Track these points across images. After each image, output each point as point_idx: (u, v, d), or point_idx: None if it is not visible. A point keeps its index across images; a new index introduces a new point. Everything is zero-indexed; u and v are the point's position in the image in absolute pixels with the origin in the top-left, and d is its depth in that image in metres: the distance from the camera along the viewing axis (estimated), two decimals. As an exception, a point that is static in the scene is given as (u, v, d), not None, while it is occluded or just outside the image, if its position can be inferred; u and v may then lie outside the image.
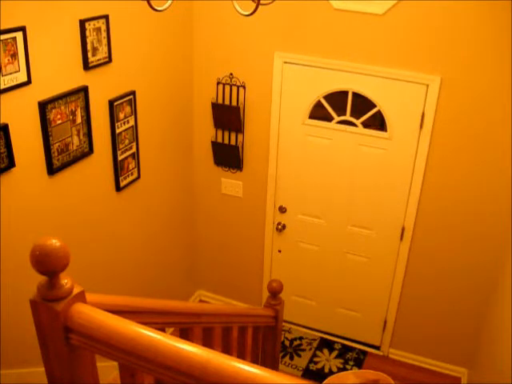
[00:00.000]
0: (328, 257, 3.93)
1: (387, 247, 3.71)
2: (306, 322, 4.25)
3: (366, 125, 3.43)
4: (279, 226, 3.93)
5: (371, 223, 3.69)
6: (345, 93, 3.38)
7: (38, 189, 2.54)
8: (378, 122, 3.42)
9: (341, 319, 4.12)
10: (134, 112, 3.10)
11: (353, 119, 3.44)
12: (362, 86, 3.31)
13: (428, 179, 3.39)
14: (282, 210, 3.87)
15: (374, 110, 3.36)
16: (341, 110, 3.44)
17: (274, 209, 3.89)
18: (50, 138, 2.50)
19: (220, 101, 3.67)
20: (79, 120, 2.67)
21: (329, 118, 3.49)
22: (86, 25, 2.56)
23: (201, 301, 4.52)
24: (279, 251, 4.06)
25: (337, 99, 3.43)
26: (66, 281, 1.11)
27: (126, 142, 3.10)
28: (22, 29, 2.20)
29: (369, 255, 3.80)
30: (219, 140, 3.79)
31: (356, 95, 3.36)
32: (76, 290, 1.12)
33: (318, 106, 3.48)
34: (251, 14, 1.75)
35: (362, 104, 3.37)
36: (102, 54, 2.72)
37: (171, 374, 1.03)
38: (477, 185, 3.28)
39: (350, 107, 3.41)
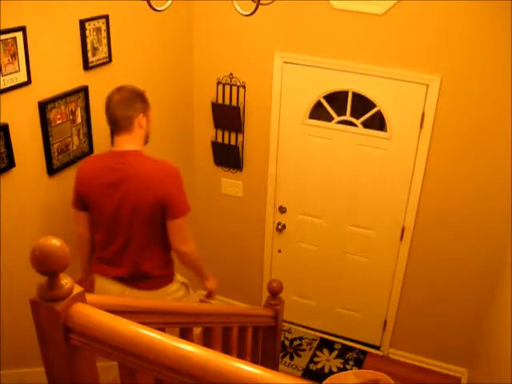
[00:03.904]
0: (328, 257, 3.92)
1: (387, 247, 3.71)
2: (305, 322, 4.25)
3: (365, 125, 3.43)
4: (279, 226, 3.93)
5: (371, 223, 3.69)
6: (345, 93, 3.38)
7: (38, 189, 2.54)
8: (378, 122, 3.42)
9: (341, 319, 4.12)
10: (134, 112, 3.10)
11: (353, 119, 3.44)
12: (362, 86, 3.30)
13: (428, 179, 3.39)
14: (282, 210, 3.87)
15: (374, 110, 3.36)
16: (341, 110, 3.44)
17: (274, 209, 3.89)
18: (50, 138, 2.50)
19: (220, 101, 3.67)
20: (79, 120, 2.67)
21: (329, 118, 3.49)
22: (86, 25, 2.56)
23: (201, 301, 4.51)
24: (279, 251, 4.05)
25: (337, 99, 3.43)
26: (66, 281, 1.11)
27: (126, 142, 3.09)
28: (22, 29, 2.20)
29: (369, 255, 3.80)
30: (219, 140, 3.79)
31: (356, 95, 3.36)
32: (76, 290, 1.12)
33: (318, 106, 3.48)
34: (251, 13, 1.75)
35: (361, 104, 3.37)
36: (102, 54, 2.72)
37: (171, 374, 1.03)
38: (477, 184, 3.28)
39: (350, 107, 3.41)
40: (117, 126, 2.37)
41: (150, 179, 2.33)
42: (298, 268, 4.06)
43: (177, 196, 2.37)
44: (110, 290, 2.51)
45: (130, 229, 2.40)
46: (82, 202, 2.47)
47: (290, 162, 3.69)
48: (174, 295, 2.62)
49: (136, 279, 2.49)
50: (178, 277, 2.70)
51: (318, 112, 3.50)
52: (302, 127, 3.56)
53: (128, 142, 2.37)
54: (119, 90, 2.38)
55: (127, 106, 2.34)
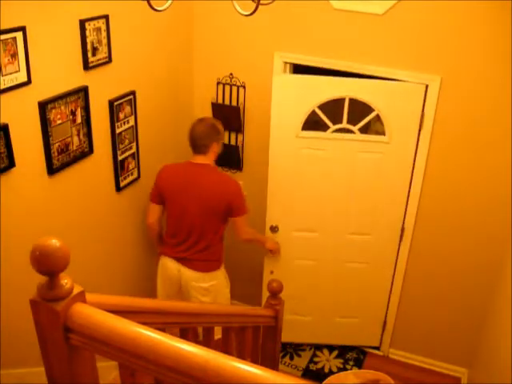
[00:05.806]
0: (326, 268, 3.79)
1: (386, 250, 3.67)
2: (304, 339, 4.09)
3: (363, 130, 3.36)
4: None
5: (370, 228, 3.62)
6: (341, 101, 3.26)
7: (38, 189, 2.54)
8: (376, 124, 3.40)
9: (340, 327, 4.01)
10: (134, 112, 3.10)
11: (350, 126, 3.34)
12: (361, 90, 3.21)
13: (428, 180, 3.38)
14: (274, 229, 3.73)
15: (373, 115, 3.29)
16: (337, 117, 3.31)
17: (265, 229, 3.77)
18: (50, 138, 2.50)
19: (220, 101, 3.66)
20: (79, 120, 2.67)
21: (324, 127, 3.36)
22: (86, 25, 2.56)
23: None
24: (271, 272, 3.86)
25: (333, 107, 3.31)
26: (65, 281, 1.11)
27: (126, 142, 3.10)
28: (22, 29, 2.20)
29: (368, 260, 3.74)
30: (219, 140, 3.79)
31: (353, 102, 3.25)
32: (76, 290, 1.12)
33: (315, 114, 3.34)
34: (251, 13, 1.75)
35: (358, 110, 3.29)
36: (102, 54, 2.72)
37: (171, 374, 1.03)
38: (477, 185, 3.27)
39: (347, 114, 3.29)
40: (196, 149, 3.10)
41: (216, 186, 3.08)
42: (293, 285, 3.69)
43: (237, 201, 3.12)
44: (169, 267, 3.24)
45: (195, 222, 3.10)
46: (160, 197, 3.16)
47: (288, 161, 3.63)
48: (217, 280, 3.28)
49: (192, 261, 3.18)
50: (223, 269, 3.37)
51: (316, 118, 3.41)
52: (299, 132, 3.40)
53: (202, 160, 3.11)
54: (201, 121, 3.13)
55: (206, 137, 3.06)
